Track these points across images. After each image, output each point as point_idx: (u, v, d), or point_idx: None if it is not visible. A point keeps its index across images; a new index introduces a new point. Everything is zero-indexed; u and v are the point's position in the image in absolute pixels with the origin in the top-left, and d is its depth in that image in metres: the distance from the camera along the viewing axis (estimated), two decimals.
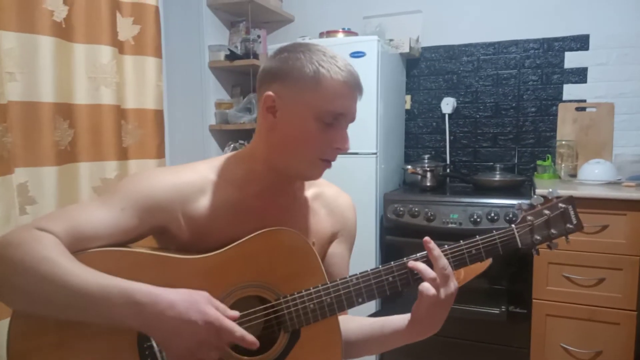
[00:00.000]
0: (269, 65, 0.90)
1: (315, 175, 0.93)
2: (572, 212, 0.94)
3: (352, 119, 0.92)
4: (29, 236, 0.75)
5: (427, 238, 0.88)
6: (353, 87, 0.88)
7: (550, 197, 0.96)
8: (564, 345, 2.02)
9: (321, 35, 2.59)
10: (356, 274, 0.90)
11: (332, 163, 0.92)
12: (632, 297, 1.91)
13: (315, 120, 0.86)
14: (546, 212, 0.94)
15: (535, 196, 0.95)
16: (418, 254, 0.90)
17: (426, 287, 0.86)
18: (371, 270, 0.91)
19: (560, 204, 0.94)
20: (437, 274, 0.86)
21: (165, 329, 0.74)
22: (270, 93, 0.87)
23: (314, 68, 0.85)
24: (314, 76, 0.85)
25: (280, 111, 0.88)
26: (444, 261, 0.86)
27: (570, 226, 0.94)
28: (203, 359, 0.76)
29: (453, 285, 0.87)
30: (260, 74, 0.92)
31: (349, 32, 2.58)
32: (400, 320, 0.95)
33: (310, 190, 1.03)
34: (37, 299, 0.74)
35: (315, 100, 0.86)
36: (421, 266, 0.87)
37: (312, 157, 0.89)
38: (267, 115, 0.89)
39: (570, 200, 0.95)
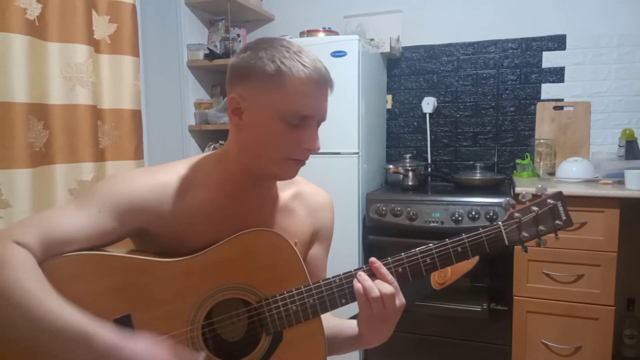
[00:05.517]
0: (233, 65, 0.88)
1: (288, 175, 0.90)
2: (561, 209, 0.92)
3: (322, 119, 0.88)
4: (3, 254, 0.72)
5: (372, 259, 0.88)
6: (319, 83, 0.84)
7: (539, 193, 0.94)
8: (545, 342, 2.04)
9: (302, 34, 2.58)
10: (339, 275, 0.89)
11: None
12: (610, 293, 1.95)
13: (281, 121, 0.83)
14: (534, 208, 0.92)
15: (523, 192, 0.93)
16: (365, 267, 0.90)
17: (365, 305, 0.86)
18: (354, 270, 0.90)
19: (549, 200, 0.93)
20: (380, 294, 0.85)
21: None
22: (234, 95, 0.85)
23: (276, 66, 0.81)
24: (275, 75, 0.81)
25: (246, 113, 0.85)
26: (388, 279, 0.87)
27: (559, 223, 0.92)
28: None
29: (398, 301, 0.86)
30: (227, 74, 0.89)
31: (329, 32, 2.57)
32: (352, 329, 0.96)
33: (290, 189, 1.01)
34: (1, 325, 0.71)
35: (279, 100, 0.82)
36: (367, 284, 0.86)
37: (280, 157, 0.86)
38: (233, 117, 0.87)
39: (560, 196, 0.93)
